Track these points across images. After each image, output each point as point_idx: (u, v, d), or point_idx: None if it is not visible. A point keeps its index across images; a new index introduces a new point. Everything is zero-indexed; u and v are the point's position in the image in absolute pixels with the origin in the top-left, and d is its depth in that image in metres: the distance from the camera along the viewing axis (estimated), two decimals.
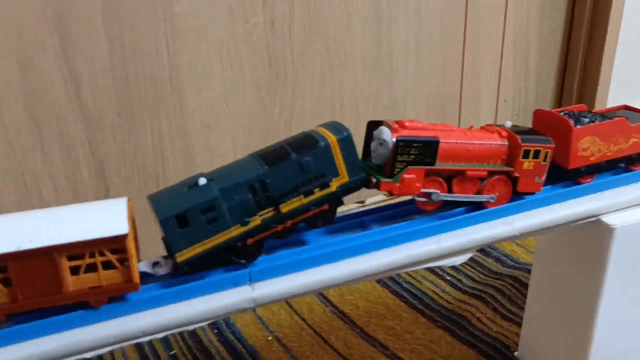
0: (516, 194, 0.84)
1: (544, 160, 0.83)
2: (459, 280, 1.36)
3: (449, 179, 0.81)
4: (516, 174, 0.82)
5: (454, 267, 1.40)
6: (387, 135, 0.76)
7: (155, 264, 0.72)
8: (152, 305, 0.69)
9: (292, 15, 1.36)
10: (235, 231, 0.71)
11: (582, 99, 1.87)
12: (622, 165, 0.92)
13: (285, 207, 0.73)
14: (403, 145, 0.75)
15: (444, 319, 1.24)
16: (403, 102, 1.59)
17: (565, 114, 0.90)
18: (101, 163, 1.27)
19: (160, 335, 0.71)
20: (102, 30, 1.18)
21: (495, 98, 1.76)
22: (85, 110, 1.22)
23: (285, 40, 1.37)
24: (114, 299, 0.68)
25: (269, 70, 1.38)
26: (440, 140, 0.78)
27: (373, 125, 0.81)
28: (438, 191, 0.80)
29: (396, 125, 0.78)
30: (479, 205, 0.83)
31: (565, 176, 0.88)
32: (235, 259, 0.72)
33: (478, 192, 0.82)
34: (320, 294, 1.34)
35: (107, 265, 0.65)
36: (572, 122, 0.85)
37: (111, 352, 1.19)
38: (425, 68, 1.59)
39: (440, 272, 1.39)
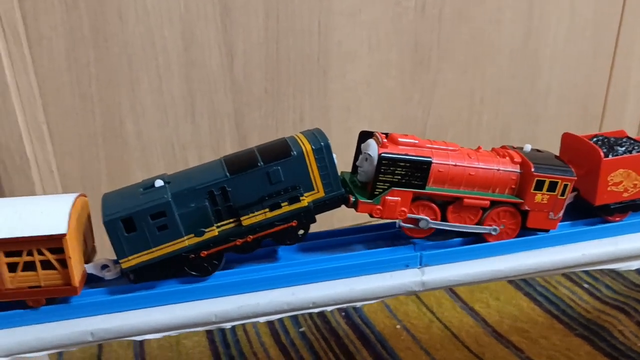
0: (525, 230, 0.74)
1: (562, 195, 0.72)
2: (598, 289, 1.29)
3: (445, 205, 0.72)
4: (526, 207, 0.72)
5: (591, 275, 1.33)
6: (374, 149, 0.69)
7: (104, 267, 0.69)
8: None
9: (443, 0, 1.32)
10: (188, 241, 0.65)
11: None
12: None
13: (247, 220, 0.66)
14: (387, 163, 0.67)
15: (582, 327, 1.18)
16: (544, 98, 1.52)
17: (597, 140, 0.78)
18: (244, 136, 1.30)
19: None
20: (261, 4, 1.19)
21: None
22: (235, 83, 1.24)
23: (433, 25, 1.34)
24: (54, 301, 0.65)
25: (415, 55, 1.35)
26: (434, 161, 0.69)
27: (364, 137, 0.73)
28: (427, 218, 0.71)
29: (385, 140, 0.69)
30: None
31: (593, 213, 0.78)
32: (188, 271, 0.67)
33: (478, 223, 0.73)
34: (450, 288, 1.31)
35: (49, 265, 0.62)
36: (602, 151, 0.74)
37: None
38: (573, 64, 1.51)
39: (578, 280, 1.32)
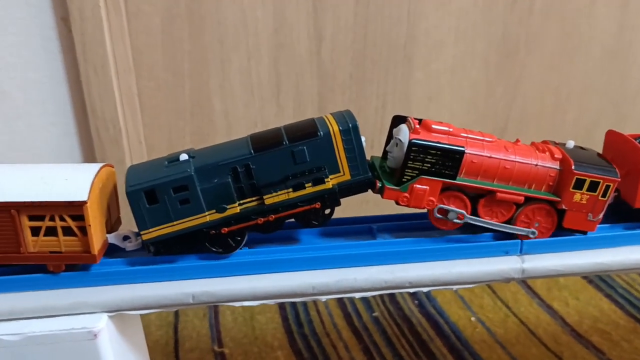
0: (561, 230, 0.70)
1: (603, 196, 0.68)
2: None
3: (476, 198, 0.69)
4: (563, 206, 0.68)
5: None
6: (405, 135, 0.66)
7: (125, 238, 0.69)
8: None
9: None
10: (210, 217, 0.65)
11: None
12: None
13: (269, 199, 0.65)
14: (417, 150, 0.65)
15: None
16: (632, 98, 1.47)
17: None
18: None
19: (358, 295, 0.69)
20: None
21: None
22: (321, 67, 1.25)
23: (523, 17, 1.31)
24: (75, 268, 0.65)
25: (501, 48, 1.33)
26: (467, 151, 0.66)
27: (397, 121, 0.70)
28: (464, 211, 0.68)
29: (418, 126, 0.66)
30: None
31: (632, 216, 0.74)
32: (208, 247, 0.66)
33: (510, 219, 0.69)
34: (526, 284, 1.29)
35: (71, 231, 0.62)
36: None
37: (314, 302, 1.24)
38: None
39: None
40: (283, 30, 1.20)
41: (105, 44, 1.09)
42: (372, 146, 1.34)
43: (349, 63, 1.26)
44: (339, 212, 0.72)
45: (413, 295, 1.25)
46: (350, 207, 0.76)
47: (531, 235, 0.70)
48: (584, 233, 0.71)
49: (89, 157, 1.20)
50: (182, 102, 1.21)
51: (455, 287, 0.70)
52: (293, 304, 1.22)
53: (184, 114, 1.22)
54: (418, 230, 0.74)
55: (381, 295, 1.25)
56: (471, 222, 0.69)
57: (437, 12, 1.26)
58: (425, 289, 0.70)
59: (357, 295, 0.69)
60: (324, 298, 0.69)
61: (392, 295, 1.25)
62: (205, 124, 1.24)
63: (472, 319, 1.18)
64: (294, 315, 1.19)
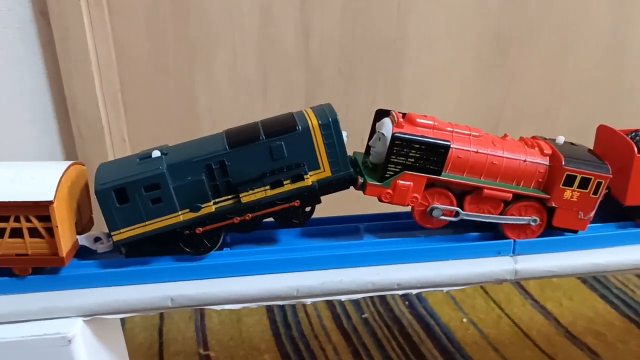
0: (551, 228, 0.67)
1: (595, 193, 0.65)
2: None
3: (462, 195, 0.66)
4: (553, 204, 0.66)
5: None
6: (387, 129, 0.63)
7: (96, 240, 0.66)
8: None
9: None
10: (183, 216, 0.62)
11: None
12: None
13: (246, 197, 0.62)
14: (400, 144, 0.62)
15: None
16: (629, 94, 1.44)
17: (635, 135, 0.71)
18: None
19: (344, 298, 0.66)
20: None
21: None
22: (309, 62, 1.22)
23: (518, 10, 1.28)
24: (42, 271, 0.62)
25: (495, 42, 1.30)
26: (453, 146, 0.63)
27: (380, 115, 0.68)
28: (455, 209, 0.66)
29: (401, 119, 0.64)
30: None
31: (623, 214, 0.71)
32: (182, 248, 0.63)
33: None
34: (519, 284, 1.26)
35: (38, 233, 0.59)
36: (637, 146, 0.68)
37: (304, 304, 1.21)
38: None
39: None
40: (270, 25, 1.17)
41: (85, 39, 1.06)
42: (362, 143, 1.31)
43: (338, 58, 1.23)
44: (325, 211, 0.69)
45: (403, 296, 1.23)
46: (338, 205, 0.73)
47: (532, 223, 0.67)
48: (575, 232, 0.69)
49: (70, 155, 1.16)
50: (167, 99, 1.18)
51: (445, 289, 0.68)
52: (281, 306, 1.19)
53: (168, 111, 1.19)
54: (407, 229, 0.71)
55: (371, 297, 1.22)
56: (466, 218, 0.66)
57: (428, 6, 1.23)
58: (414, 291, 0.67)
59: (343, 297, 0.67)
60: (308, 301, 0.66)
61: (382, 297, 1.22)
62: (190, 121, 1.21)
63: (464, 320, 1.16)
64: (282, 317, 1.16)
